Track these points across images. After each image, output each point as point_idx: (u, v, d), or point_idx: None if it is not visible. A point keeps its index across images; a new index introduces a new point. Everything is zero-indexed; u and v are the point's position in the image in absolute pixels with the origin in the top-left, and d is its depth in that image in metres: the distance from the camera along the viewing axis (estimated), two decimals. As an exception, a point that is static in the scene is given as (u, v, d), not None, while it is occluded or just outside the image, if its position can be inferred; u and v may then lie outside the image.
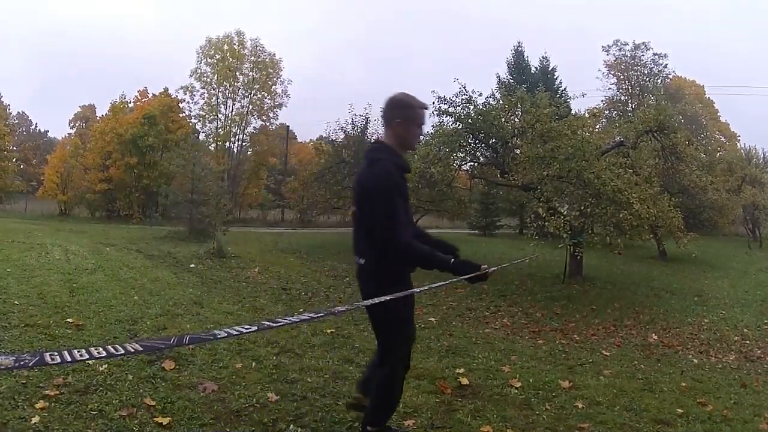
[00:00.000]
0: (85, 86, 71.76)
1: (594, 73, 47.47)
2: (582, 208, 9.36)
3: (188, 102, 28.41)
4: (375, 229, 2.49)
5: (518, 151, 11.11)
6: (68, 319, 4.61)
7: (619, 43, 35.31)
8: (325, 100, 62.11)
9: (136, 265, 8.68)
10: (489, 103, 11.35)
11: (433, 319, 6.76)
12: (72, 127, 39.55)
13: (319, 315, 1.56)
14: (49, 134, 46.93)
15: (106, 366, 3.53)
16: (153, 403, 3.02)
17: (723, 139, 39.13)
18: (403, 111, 2.62)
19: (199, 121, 28.81)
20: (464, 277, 2.46)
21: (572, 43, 64.94)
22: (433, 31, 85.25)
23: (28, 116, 46.99)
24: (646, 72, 35.42)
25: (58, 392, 3.02)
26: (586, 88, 29.01)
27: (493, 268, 2.59)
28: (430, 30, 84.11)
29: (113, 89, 53.73)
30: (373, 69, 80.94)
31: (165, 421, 2.82)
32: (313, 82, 69.42)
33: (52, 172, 25.55)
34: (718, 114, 39.96)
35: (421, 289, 2.70)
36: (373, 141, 2.56)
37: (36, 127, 48.22)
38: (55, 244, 10.14)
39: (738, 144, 36.84)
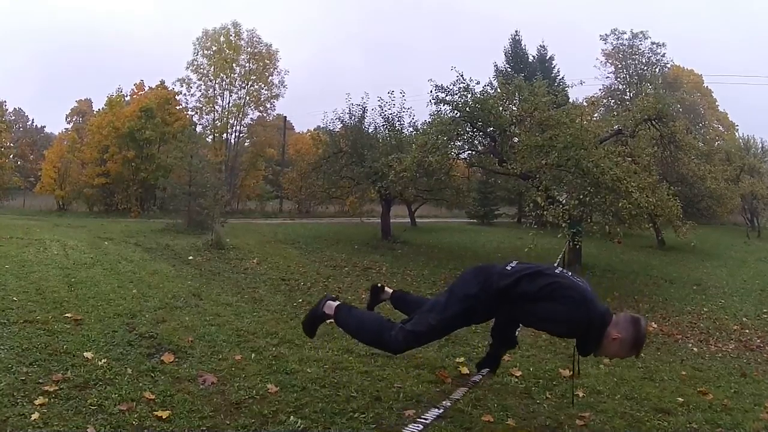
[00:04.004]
0: (83, 82, 70.75)
1: (593, 62, 47.31)
2: (581, 196, 9.33)
3: (185, 94, 28.24)
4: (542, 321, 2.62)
5: (516, 140, 11.05)
6: (67, 314, 4.60)
7: (617, 32, 35.09)
8: (325, 91, 61.86)
9: (135, 259, 8.66)
10: (486, 92, 11.24)
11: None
12: (69, 122, 39.20)
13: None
14: (46, 130, 46.56)
15: (105, 360, 3.52)
16: (152, 397, 3.01)
17: (721, 128, 39.01)
18: (630, 337, 2.51)
19: (196, 113, 28.62)
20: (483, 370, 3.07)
21: (572, 39, 64.51)
22: (434, 27, 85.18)
23: (24, 112, 46.68)
24: (644, 61, 35.15)
25: (57, 388, 3.01)
26: (584, 77, 28.88)
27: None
28: (431, 25, 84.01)
29: (113, 85, 53.00)
30: (373, 60, 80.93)
31: (165, 414, 2.81)
32: (313, 74, 69.08)
33: (50, 168, 25.34)
34: (717, 103, 39.74)
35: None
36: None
37: (33, 122, 47.92)
38: (53, 240, 10.09)
39: (736, 133, 36.72)
